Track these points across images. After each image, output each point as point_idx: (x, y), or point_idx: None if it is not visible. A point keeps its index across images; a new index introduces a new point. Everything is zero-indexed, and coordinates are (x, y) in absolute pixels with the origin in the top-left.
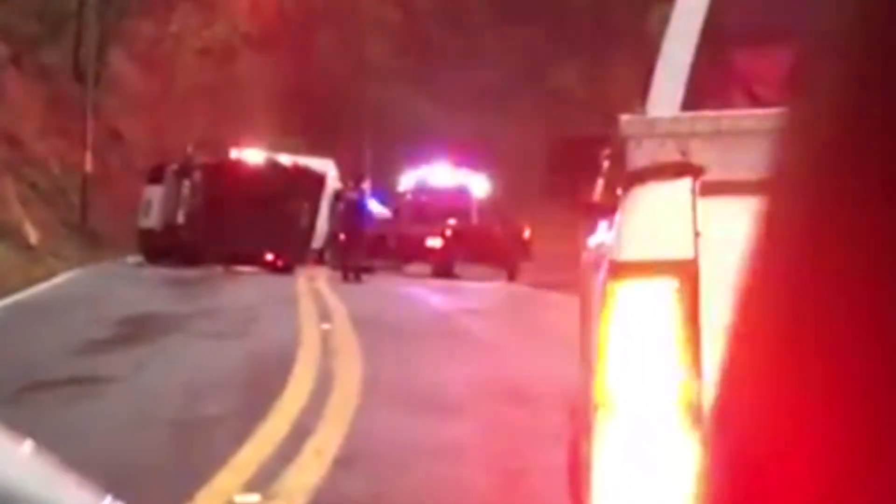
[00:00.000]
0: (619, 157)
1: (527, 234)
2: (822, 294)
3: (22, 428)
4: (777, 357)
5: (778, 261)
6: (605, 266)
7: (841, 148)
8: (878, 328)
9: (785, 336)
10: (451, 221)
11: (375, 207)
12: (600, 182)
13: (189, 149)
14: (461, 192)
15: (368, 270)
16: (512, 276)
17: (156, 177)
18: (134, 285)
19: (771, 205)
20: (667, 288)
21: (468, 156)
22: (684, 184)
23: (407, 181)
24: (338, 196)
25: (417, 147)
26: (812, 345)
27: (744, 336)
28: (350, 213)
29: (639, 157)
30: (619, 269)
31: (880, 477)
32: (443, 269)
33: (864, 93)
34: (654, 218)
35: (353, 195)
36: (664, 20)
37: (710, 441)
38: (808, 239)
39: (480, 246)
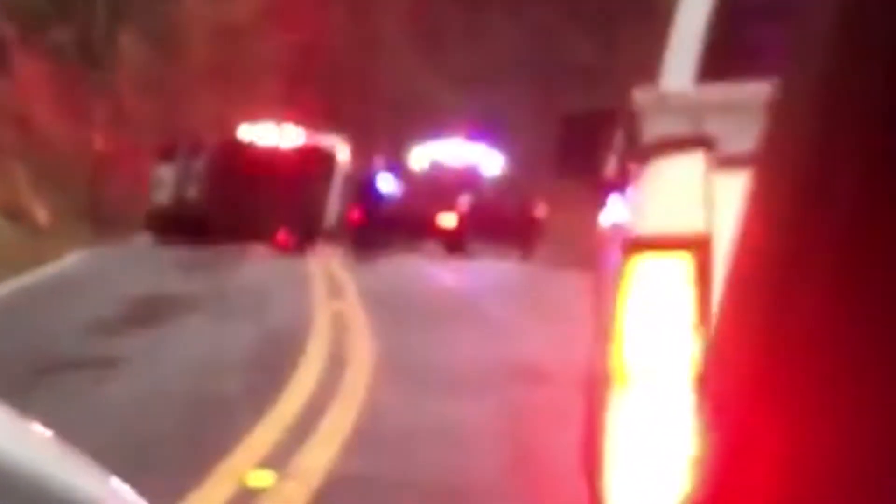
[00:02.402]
0: (631, 131)
1: (540, 210)
2: (804, 284)
3: (37, 409)
4: (759, 343)
5: (763, 249)
6: (619, 241)
7: (823, 145)
8: (852, 319)
9: (767, 324)
10: (464, 198)
11: (388, 184)
12: (613, 157)
13: (200, 128)
14: (474, 169)
15: (381, 248)
16: (526, 254)
17: (167, 155)
18: (145, 266)
19: (757, 194)
20: (681, 262)
21: (481, 131)
22: (697, 157)
23: (419, 157)
24: (351, 173)
25: (429, 122)
26: (794, 332)
27: (729, 321)
28: (362, 190)
29: (652, 131)
30: (634, 244)
31: (857, 463)
32: (456, 246)
33: (843, 91)
34: (667, 193)
35: (368, 172)
36: None
37: (698, 421)
38: (793, 229)
39: (494, 223)
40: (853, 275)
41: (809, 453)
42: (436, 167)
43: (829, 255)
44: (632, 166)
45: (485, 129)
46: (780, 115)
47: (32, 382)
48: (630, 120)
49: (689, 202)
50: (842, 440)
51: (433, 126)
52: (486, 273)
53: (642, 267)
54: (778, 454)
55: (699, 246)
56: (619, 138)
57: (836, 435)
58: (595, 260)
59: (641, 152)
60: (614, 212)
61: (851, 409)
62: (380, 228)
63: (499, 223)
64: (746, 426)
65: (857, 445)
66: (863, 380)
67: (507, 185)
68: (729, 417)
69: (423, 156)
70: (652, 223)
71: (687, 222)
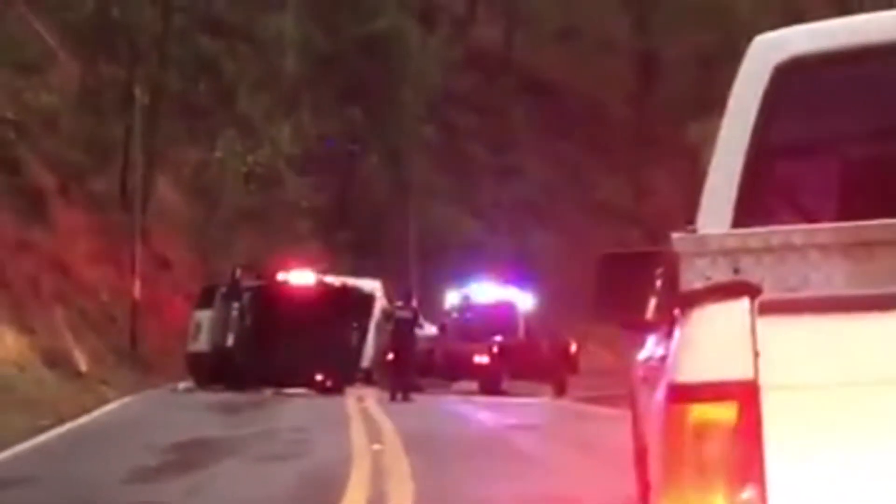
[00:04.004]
0: (672, 275)
1: (573, 348)
2: None
3: None
4: None
5: None
6: (662, 386)
7: None
8: None
9: None
10: (498, 338)
11: (423, 325)
12: (653, 300)
13: (237, 272)
14: (507, 308)
15: (417, 389)
16: (559, 391)
17: (205, 301)
18: (185, 411)
19: None
20: (728, 408)
21: (513, 271)
22: (742, 304)
23: (453, 298)
24: (386, 315)
25: (463, 263)
26: None
27: None
28: (399, 331)
29: (691, 275)
30: (680, 391)
31: None
32: (490, 385)
33: None
34: (713, 339)
35: (403, 313)
36: (703, 132)
37: None
38: None
39: (527, 361)
40: None
41: None
42: (470, 307)
43: None
44: (674, 311)
45: (517, 268)
46: None
47: None
48: (670, 263)
49: (737, 349)
50: None
51: (467, 265)
52: (520, 410)
53: (688, 414)
54: None
55: (748, 393)
56: (659, 281)
57: None
58: (632, 399)
59: (684, 297)
60: (650, 350)
61: None
62: (416, 369)
63: (532, 361)
64: None
65: None
66: None
67: (539, 323)
68: None
69: (458, 296)
70: (698, 370)
71: (734, 369)
